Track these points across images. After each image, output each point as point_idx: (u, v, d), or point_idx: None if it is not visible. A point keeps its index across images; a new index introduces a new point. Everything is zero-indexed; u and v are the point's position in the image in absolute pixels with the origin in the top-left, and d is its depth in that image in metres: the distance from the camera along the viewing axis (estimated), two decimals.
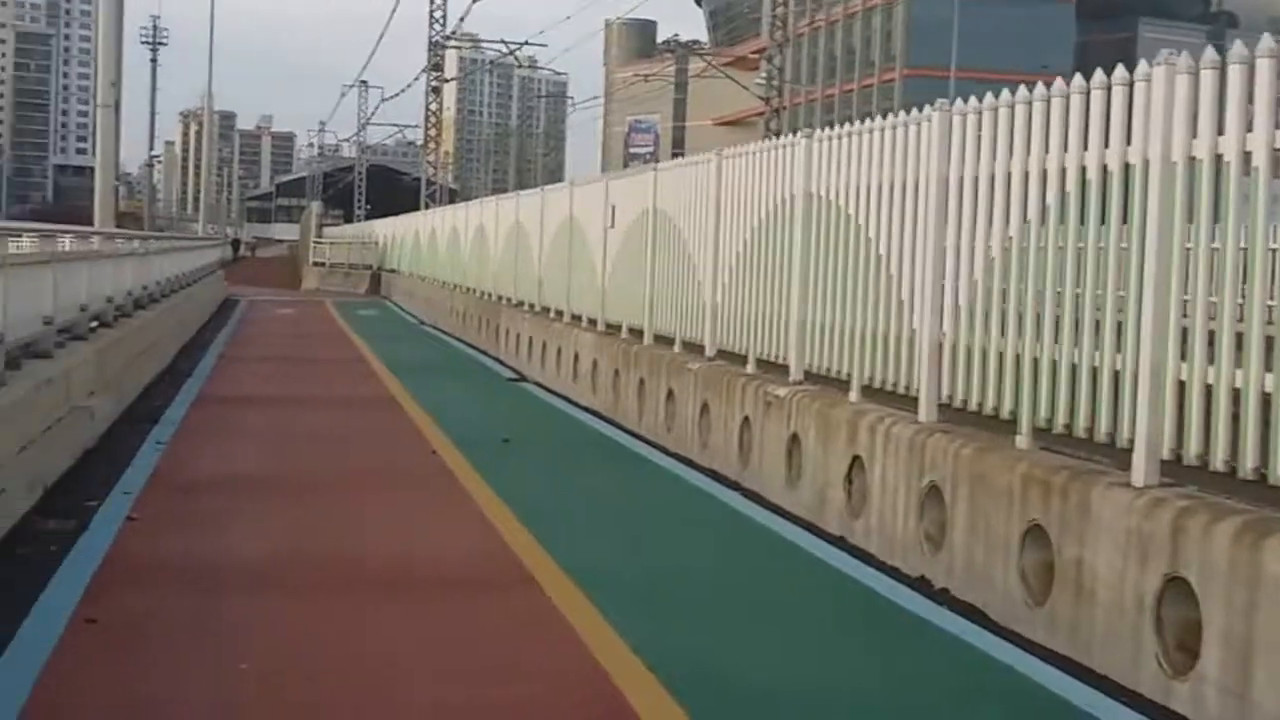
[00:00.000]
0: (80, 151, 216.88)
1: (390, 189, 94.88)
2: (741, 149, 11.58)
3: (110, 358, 13.31)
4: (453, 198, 52.91)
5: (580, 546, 8.24)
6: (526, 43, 45.61)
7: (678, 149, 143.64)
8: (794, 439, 9.53)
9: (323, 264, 52.32)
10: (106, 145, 22.17)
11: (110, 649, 5.91)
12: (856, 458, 8.58)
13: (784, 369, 10.39)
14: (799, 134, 10.36)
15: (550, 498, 10.01)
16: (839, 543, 8.53)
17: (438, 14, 44.80)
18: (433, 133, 46.74)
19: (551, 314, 18.66)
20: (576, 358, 16.38)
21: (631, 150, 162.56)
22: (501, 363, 21.10)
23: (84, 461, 10.54)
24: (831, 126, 10.13)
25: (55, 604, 6.55)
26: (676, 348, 13.05)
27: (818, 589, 7.55)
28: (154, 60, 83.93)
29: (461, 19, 45.33)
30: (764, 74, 69.45)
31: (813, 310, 9.90)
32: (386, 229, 47.51)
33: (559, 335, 17.49)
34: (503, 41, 45.54)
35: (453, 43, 44.16)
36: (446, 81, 47.45)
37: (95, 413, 11.20)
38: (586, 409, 15.35)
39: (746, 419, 10.47)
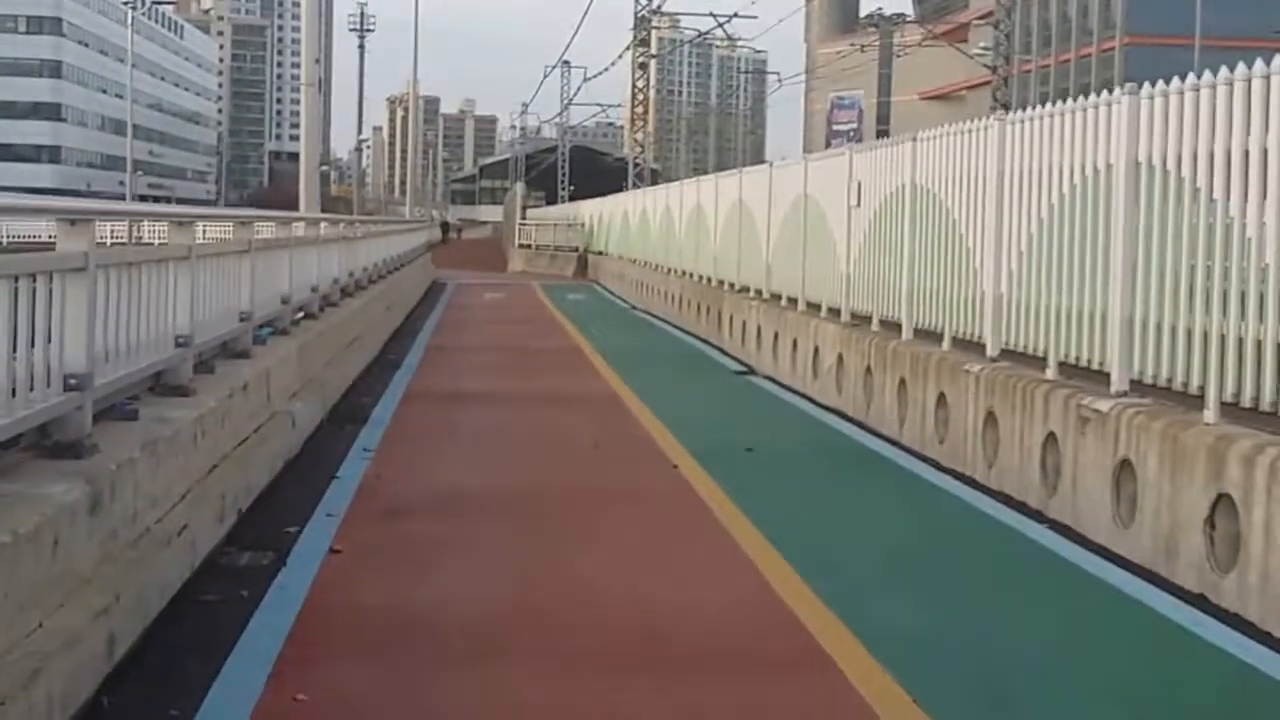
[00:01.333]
0: (294, 138, 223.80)
1: (592, 170, 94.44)
2: (1040, 111, 9.71)
3: (314, 353, 12.23)
4: (654, 179, 51.60)
5: (873, 605, 6.61)
6: (736, 15, 43.92)
7: (882, 126, 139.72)
8: (1124, 466, 7.70)
9: (528, 246, 51.74)
10: (310, 126, 21.35)
11: None
12: (1223, 495, 6.73)
13: (1098, 375, 8.55)
14: (1121, 90, 8.46)
15: (818, 530, 8.39)
16: (1199, 602, 6.70)
17: None
18: (639, 110, 45.33)
19: (784, 301, 17.01)
20: (816, 352, 14.70)
21: (834, 128, 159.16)
22: (725, 353, 19.55)
23: (284, 475, 9.38)
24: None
25: (237, 685, 5.26)
26: (945, 344, 11.27)
27: (1225, 686, 5.74)
28: (361, 47, 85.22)
29: None
30: (985, 42, 66.21)
31: (1146, 305, 8.03)
32: (593, 210, 46.49)
33: (794, 326, 15.84)
34: (711, 14, 43.92)
35: (658, 18, 42.58)
36: (653, 57, 45.92)
37: (297, 417, 10.05)
38: (830, 409, 13.69)
39: (1052, 436, 8.65)
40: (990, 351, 10.32)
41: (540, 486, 9.62)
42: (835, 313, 14.65)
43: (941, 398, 10.74)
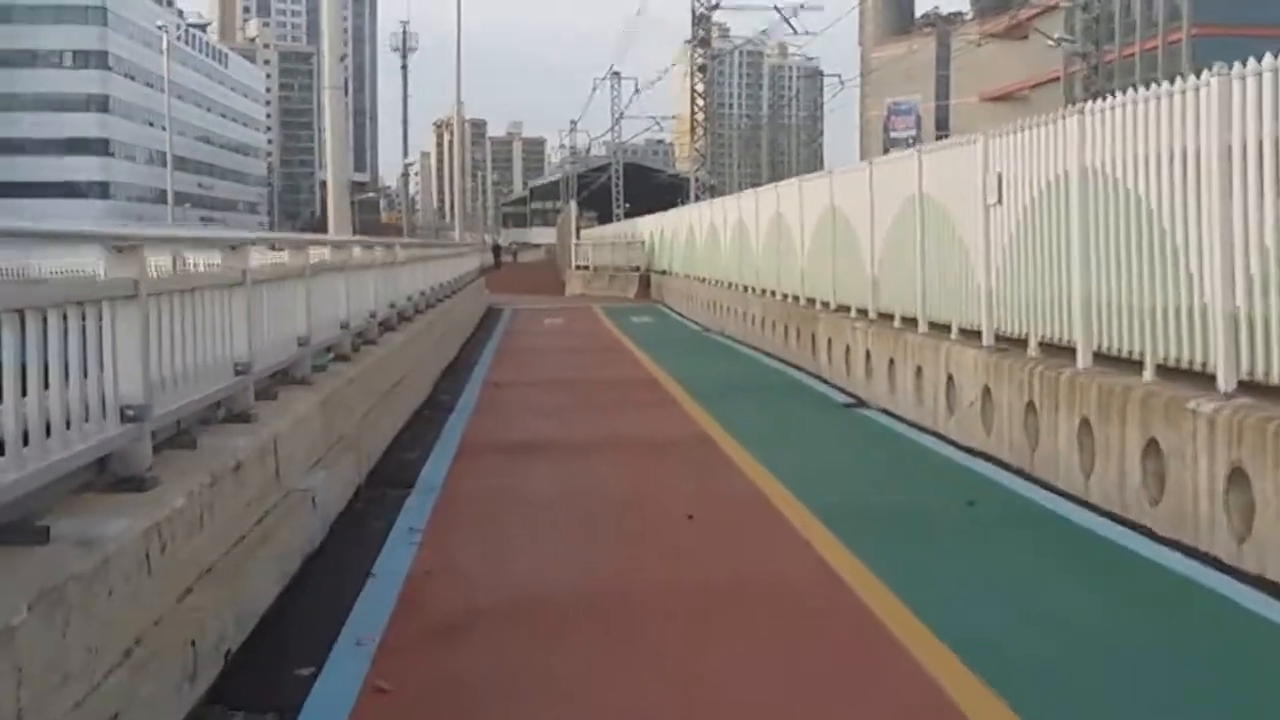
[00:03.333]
0: None
1: (645, 187, 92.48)
2: None
3: (346, 405, 9.92)
4: (710, 193, 49.27)
5: None
6: (803, 7, 41.34)
7: (942, 131, 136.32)
8: None
9: (586, 267, 49.42)
10: (338, 133, 19.02)
11: None
12: None
13: None
14: None
15: (1037, 647, 5.91)
16: None
17: None
18: (698, 116, 42.83)
19: (897, 322, 14.54)
20: (950, 382, 12.21)
21: (892, 135, 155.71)
22: (824, 381, 17.09)
23: (300, 581, 7.03)
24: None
25: None
26: (1147, 374, 8.77)
27: None
28: (404, 67, 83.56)
29: None
30: (1047, 39, 63.67)
31: None
32: (654, 227, 44.08)
33: (916, 351, 13.35)
34: (775, 8, 41.36)
35: (717, 14, 40.26)
36: (714, 57, 43.44)
37: (321, 494, 7.71)
38: (974, 452, 11.21)
39: None
40: (1223, 385, 7.83)
41: (631, 583, 7.19)
42: (972, 334, 12.18)
43: (1152, 445, 8.24)
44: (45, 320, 4.53)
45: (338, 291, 11.48)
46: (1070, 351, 10.01)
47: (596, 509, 9.21)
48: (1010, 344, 11.37)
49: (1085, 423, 9.25)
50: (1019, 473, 10.26)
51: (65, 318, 4.68)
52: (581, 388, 17.15)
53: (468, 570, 7.44)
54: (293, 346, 9.17)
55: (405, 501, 9.42)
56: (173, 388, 5.93)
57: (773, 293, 21.93)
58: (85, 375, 4.89)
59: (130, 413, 5.20)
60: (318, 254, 11.96)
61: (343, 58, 19.28)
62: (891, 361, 14.18)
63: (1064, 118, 10.08)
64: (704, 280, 30.56)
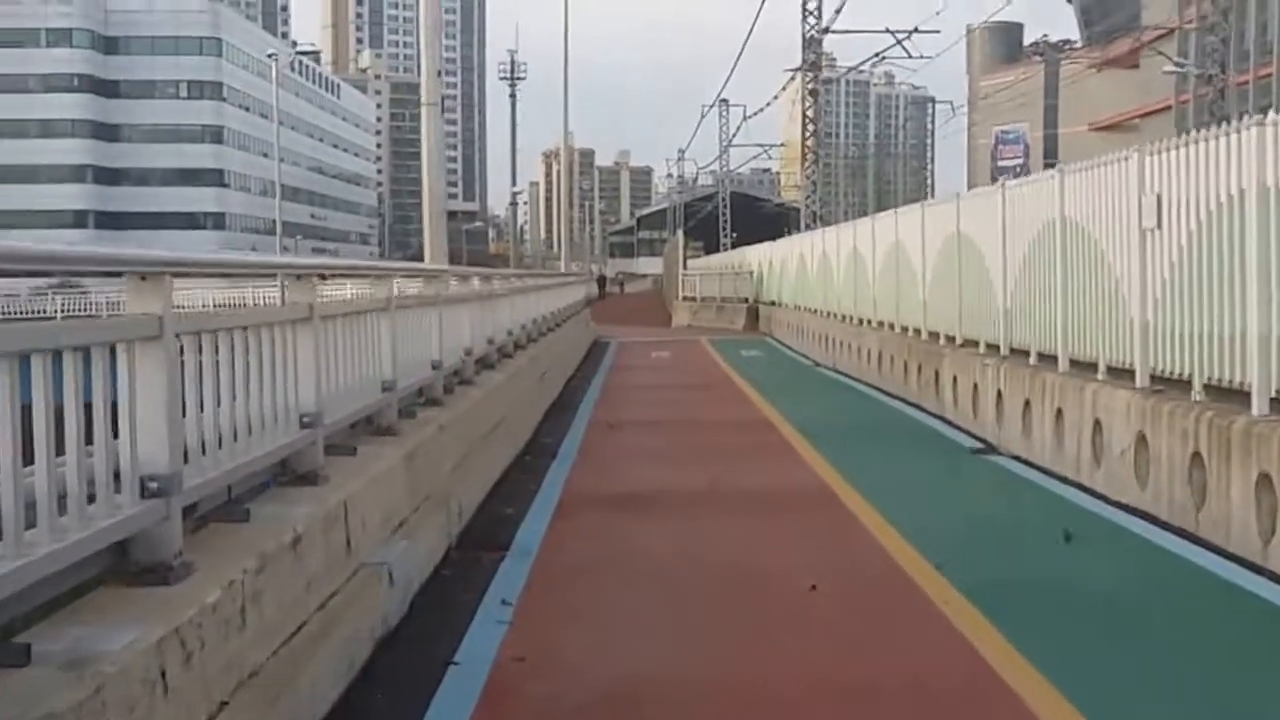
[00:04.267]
0: (451, 196, 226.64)
1: (751, 216, 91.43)
2: None
3: (435, 458, 9.06)
4: (819, 221, 48.14)
5: None
6: (916, 29, 40.03)
7: (1050, 160, 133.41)
8: None
9: (693, 298, 48.54)
10: (433, 150, 18.16)
11: None
12: None
13: None
14: None
15: None
16: None
17: (811, 4, 39.60)
18: (809, 142, 41.66)
19: (1032, 358, 13.36)
20: (1097, 427, 11.01)
21: (999, 163, 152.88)
22: (948, 422, 15.93)
23: (368, 672, 6.13)
24: None
25: None
26: None
27: None
28: (513, 96, 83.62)
29: (837, 12, 40.02)
30: (1162, 67, 61.64)
31: None
32: (762, 256, 43.01)
33: (1055, 391, 12.16)
34: (888, 30, 40.10)
35: (829, 35, 38.94)
36: (825, 82, 42.31)
37: (398, 568, 6.83)
38: (1126, 508, 10.03)
39: None
40: None
41: (750, 677, 6.17)
42: (1122, 373, 10.99)
43: None
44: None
45: (429, 328, 10.66)
46: (1244, 395, 8.82)
47: (710, 578, 8.20)
48: (1168, 385, 10.19)
49: (1265, 478, 8.07)
50: (1181, 533, 9.08)
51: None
52: (691, 430, 16.17)
53: (564, 656, 6.50)
54: (375, 392, 8.34)
55: (499, 567, 8.51)
56: (214, 453, 5.10)
57: (890, 325, 20.78)
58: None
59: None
60: (406, 286, 11.21)
61: (440, 73, 18.56)
62: (1027, 403, 13.00)
63: (1239, 130, 8.91)
64: (815, 312, 29.44)
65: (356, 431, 8.14)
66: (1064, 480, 11.52)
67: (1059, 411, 12.02)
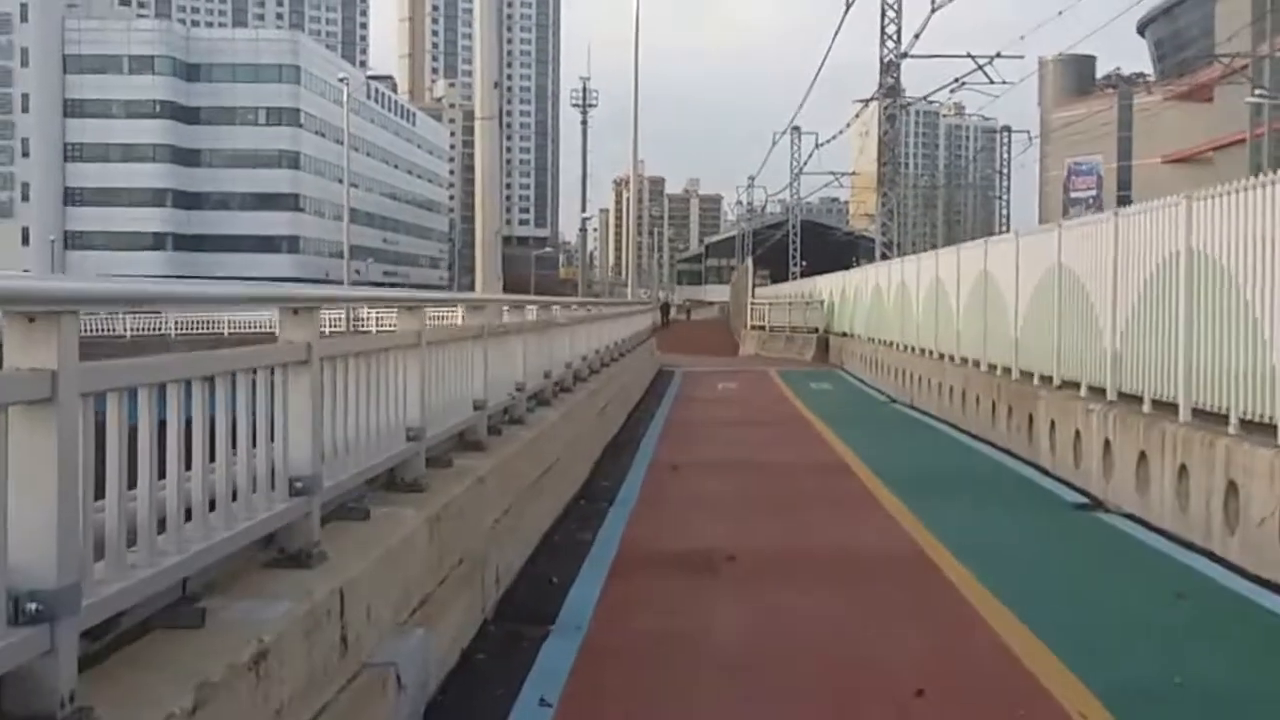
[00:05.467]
0: (523, 222, 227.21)
1: (820, 245, 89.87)
2: None
3: (467, 517, 7.85)
4: (894, 250, 46.68)
5: None
6: (998, 54, 38.51)
7: (1123, 192, 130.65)
8: None
9: (761, 327, 47.24)
10: (488, 166, 17.00)
11: None
12: None
13: None
14: None
15: None
16: None
17: (890, 28, 38.25)
18: (884, 170, 40.24)
19: (1146, 405, 11.95)
20: (1233, 489, 9.60)
21: (1072, 195, 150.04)
22: (1043, 471, 14.53)
23: None
24: None
25: None
26: None
27: None
28: (584, 122, 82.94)
29: (916, 36, 38.52)
30: (1232, 100, 59.71)
31: None
32: (834, 285, 41.60)
33: (1178, 445, 10.75)
34: (968, 54, 38.65)
35: (911, 56, 37.48)
36: (904, 106, 40.84)
37: (408, 668, 5.61)
38: (1268, 584, 8.63)
39: None
40: None
41: None
42: (1262, 427, 9.57)
43: None
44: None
45: (472, 363, 9.47)
46: None
47: (791, 672, 6.90)
48: None
49: None
50: None
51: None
52: (761, 474, 14.86)
53: None
54: (398, 441, 7.14)
55: (541, 648, 7.30)
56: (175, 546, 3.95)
57: (976, 362, 19.37)
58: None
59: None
60: (444, 315, 10.04)
61: (496, 84, 17.46)
62: (1142, 455, 11.59)
63: None
64: (891, 345, 28.01)
65: (371, 488, 6.95)
66: (1189, 547, 10.12)
67: (1182, 468, 10.61)
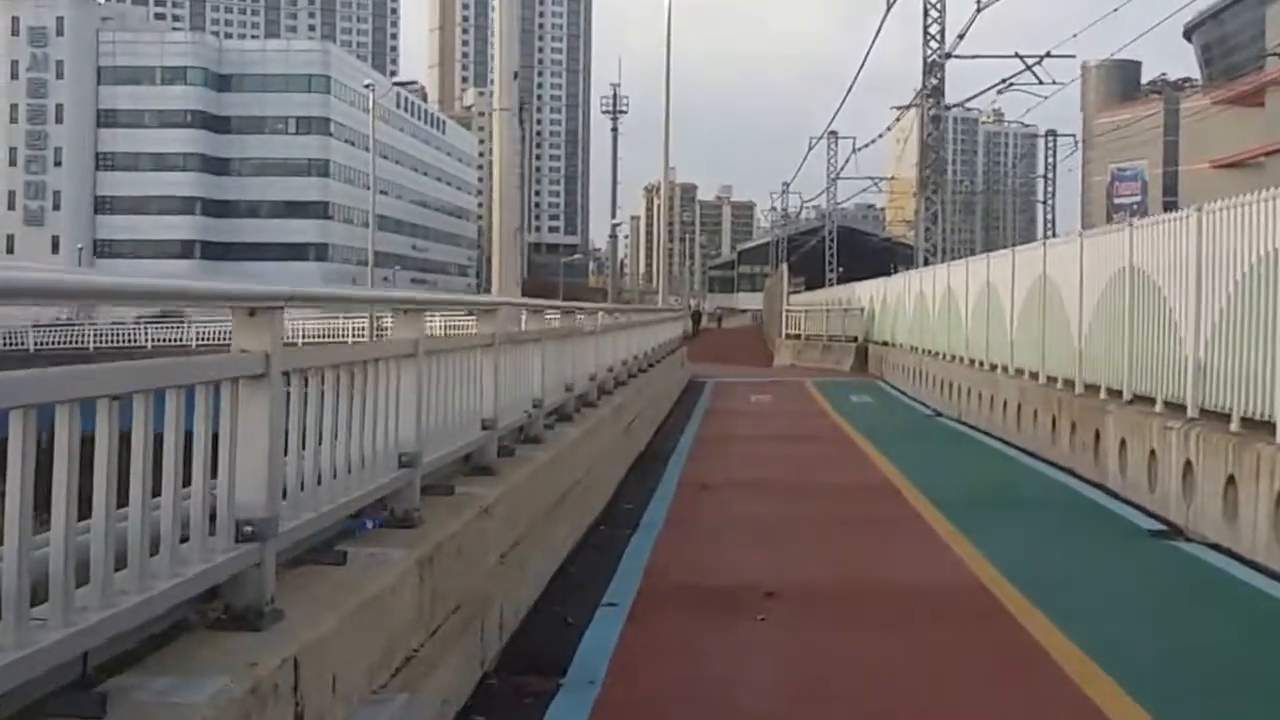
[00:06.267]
0: (553, 229, 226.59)
1: (856, 251, 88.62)
2: None
3: (468, 555, 6.72)
4: (935, 256, 45.35)
5: None
6: (1048, 54, 37.12)
7: (1169, 198, 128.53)
8: None
9: (797, 336, 45.97)
10: (506, 160, 15.78)
11: None
12: None
13: None
14: None
15: None
16: None
17: (933, 28, 36.85)
18: (928, 173, 38.86)
19: (1234, 424, 10.69)
20: None
21: (1116, 200, 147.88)
22: (1110, 493, 13.30)
23: None
24: None
25: None
26: None
27: None
28: (614, 130, 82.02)
29: (960, 37, 37.15)
30: None
31: None
32: (874, 292, 40.30)
33: (1277, 469, 9.51)
34: (1016, 55, 37.32)
35: (955, 57, 36.18)
36: (949, 108, 39.50)
37: None
38: None
39: None
40: None
41: None
42: None
43: None
44: None
45: (480, 376, 8.34)
46: None
47: None
48: None
49: None
50: None
51: None
52: (799, 496, 13.66)
53: None
54: (389, 469, 6.03)
55: (548, 709, 6.17)
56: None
57: (1033, 374, 18.09)
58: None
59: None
60: (462, 322, 8.92)
61: (516, 75, 16.34)
62: (1230, 479, 10.34)
63: None
64: (936, 355, 26.72)
65: (360, 520, 5.86)
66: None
67: None
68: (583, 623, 7.94)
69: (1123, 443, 13.28)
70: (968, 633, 7.79)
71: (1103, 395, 14.53)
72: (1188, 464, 11.31)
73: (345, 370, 5.38)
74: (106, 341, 57.58)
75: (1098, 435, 14.20)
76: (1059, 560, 10.17)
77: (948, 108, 39.20)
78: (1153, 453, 12.29)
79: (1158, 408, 12.66)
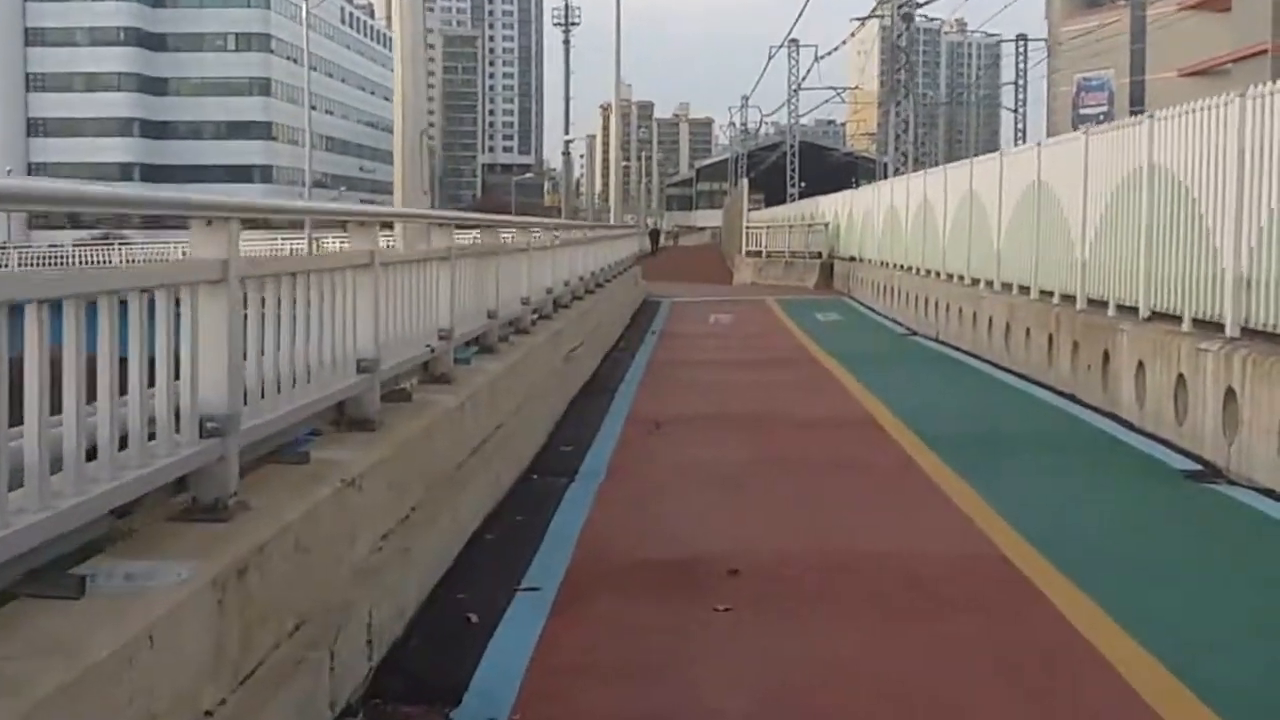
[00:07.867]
0: (507, 149, 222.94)
1: (817, 167, 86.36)
2: None
3: (322, 545, 4.79)
4: (905, 165, 43.37)
5: None
6: None
7: (1136, 107, 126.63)
8: None
9: (758, 253, 44.05)
10: (412, 47, 13.49)
11: None
12: None
13: None
14: None
15: None
16: None
17: None
18: (899, 77, 36.67)
19: None
20: None
21: (1081, 111, 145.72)
22: (1125, 424, 11.53)
23: None
24: None
25: None
26: None
27: None
28: (566, 41, 79.24)
29: None
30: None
31: None
32: (839, 206, 38.33)
33: None
34: None
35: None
36: (920, 5, 37.31)
37: None
38: None
39: None
40: None
41: None
42: None
43: None
44: None
45: (361, 300, 6.35)
46: None
47: None
48: None
49: None
50: None
51: None
52: (767, 435, 11.73)
53: None
54: (187, 443, 4.13)
55: (468, 686, 4.36)
56: None
57: (1023, 288, 16.24)
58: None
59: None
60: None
61: None
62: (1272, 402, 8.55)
63: None
64: (910, 270, 24.82)
65: (148, 506, 3.99)
66: None
67: None
68: (494, 616, 6.05)
69: (1139, 365, 11.46)
70: (991, 623, 5.96)
71: (1112, 312, 12.69)
72: (1229, 392, 9.50)
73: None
74: (46, 265, 55.74)
75: (1106, 356, 12.38)
76: (1091, 515, 8.35)
77: (919, 4, 36.98)
78: (1180, 378, 10.48)
79: (1185, 326, 10.83)
